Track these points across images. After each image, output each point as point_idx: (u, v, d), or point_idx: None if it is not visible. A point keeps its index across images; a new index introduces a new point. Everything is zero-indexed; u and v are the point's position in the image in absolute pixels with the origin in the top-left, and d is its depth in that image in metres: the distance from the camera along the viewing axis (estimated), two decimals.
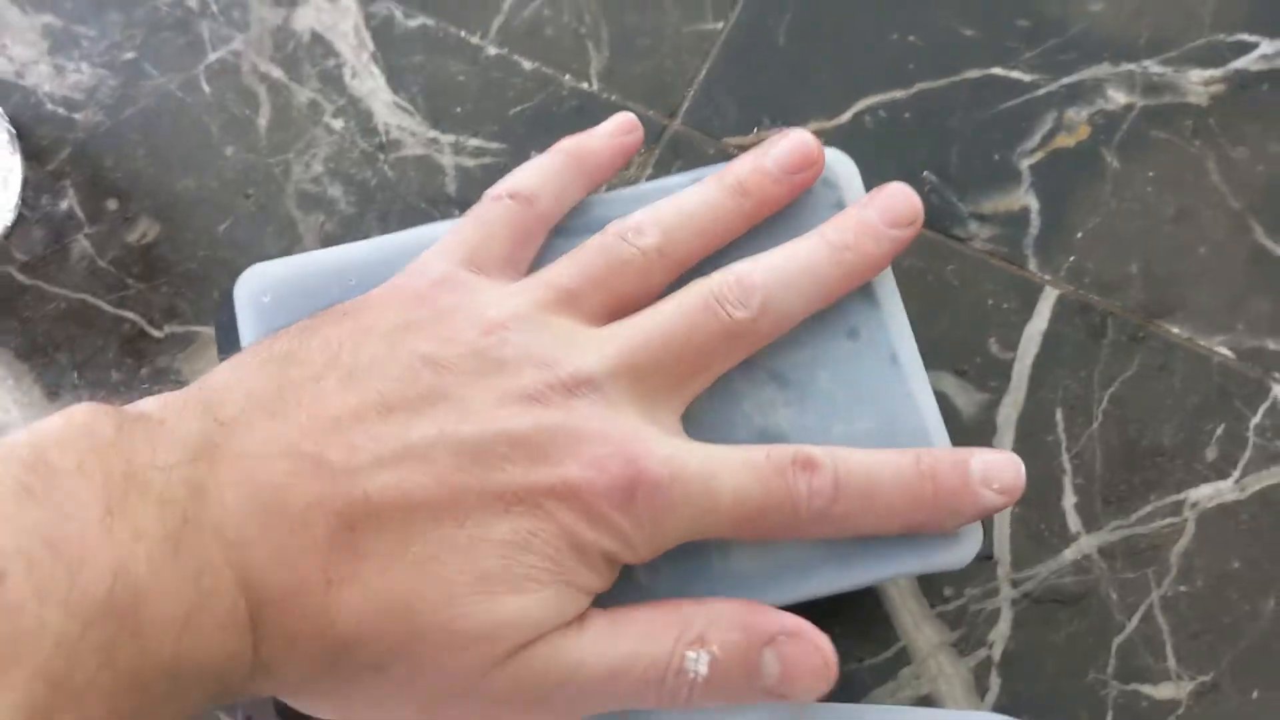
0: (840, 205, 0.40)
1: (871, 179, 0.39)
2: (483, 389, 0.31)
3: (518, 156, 0.50)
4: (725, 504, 0.33)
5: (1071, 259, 0.47)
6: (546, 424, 0.31)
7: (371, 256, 0.37)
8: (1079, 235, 0.48)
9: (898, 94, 0.50)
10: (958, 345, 0.46)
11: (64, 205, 0.49)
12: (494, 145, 0.50)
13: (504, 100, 0.51)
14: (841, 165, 0.40)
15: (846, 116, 0.50)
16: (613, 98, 0.50)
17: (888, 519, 0.34)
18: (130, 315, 0.48)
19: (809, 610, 0.42)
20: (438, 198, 0.49)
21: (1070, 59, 0.51)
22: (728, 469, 0.33)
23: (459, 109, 0.50)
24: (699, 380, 0.36)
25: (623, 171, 0.49)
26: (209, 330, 0.47)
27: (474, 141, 0.50)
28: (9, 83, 0.51)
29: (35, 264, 0.48)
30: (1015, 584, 0.43)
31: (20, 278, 0.48)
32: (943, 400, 0.45)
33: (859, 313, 0.38)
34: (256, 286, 0.37)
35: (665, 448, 0.32)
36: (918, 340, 0.38)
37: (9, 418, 0.46)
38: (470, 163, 0.50)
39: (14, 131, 0.49)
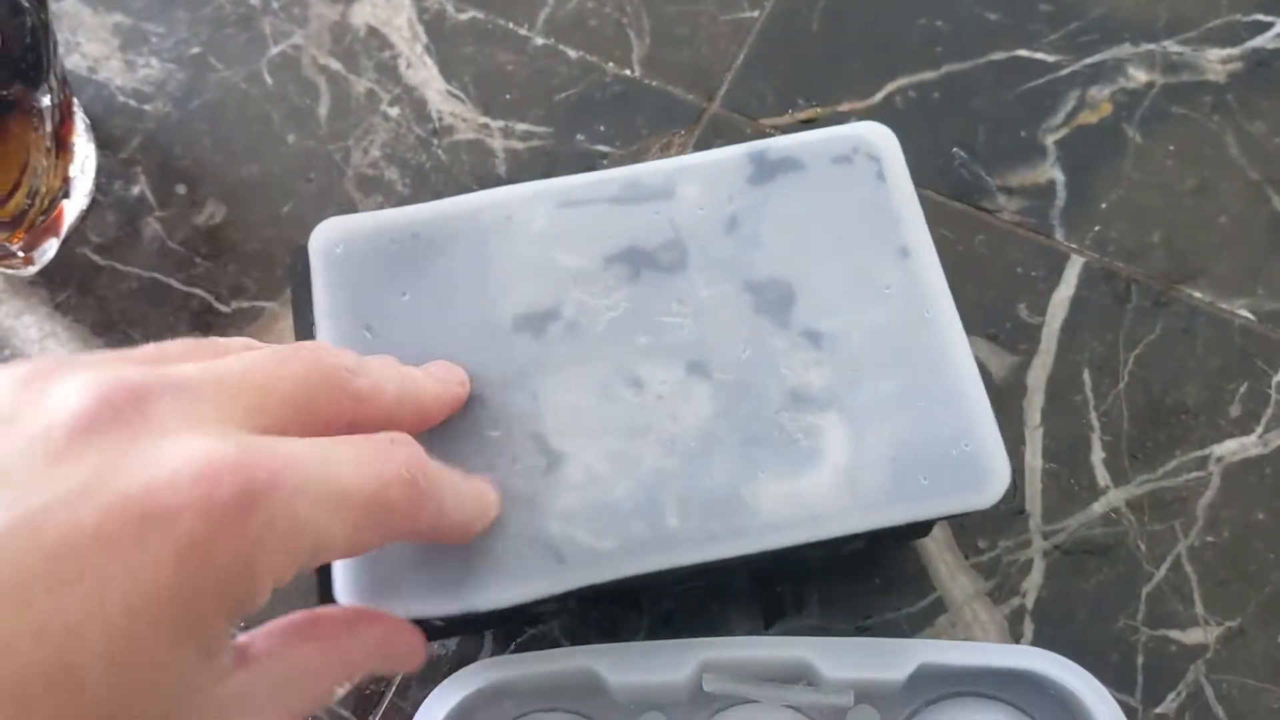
0: (881, 177, 0.42)
1: (904, 156, 0.42)
2: None
3: (564, 139, 0.52)
4: None
5: (1096, 229, 0.50)
6: None
7: (436, 215, 0.40)
8: (1103, 206, 0.50)
9: (927, 75, 0.52)
10: (989, 311, 0.48)
11: (136, 190, 0.52)
12: (541, 129, 0.52)
13: (550, 87, 0.53)
14: (882, 138, 0.42)
15: (878, 97, 0.52)
16: (654, 83, 0.53)
17: None
18: (199, 292, 0.50)
19: (852, 562, 0.44)
20: (488, 179, 0.52)
21: (1092, 40, 0.53)
22: None
23: (508, 96, 0.53)
24: None
25: (663, 152, 0.52)
26: (274, 305, 0.50)
27: (522, 126, 0.52)
28: (83, 77, 0.54)
29: (109, 245, 0.51)
30: (1046, 536, 0.45)
31: (95, 258, 0.51)
32: (975, 363, 0.47)
33: (893, 270, 0.40)
34: (330, 238, 0.39)
35: None
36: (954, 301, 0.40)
37: None
38: (519, 146, 0.52)
39: (89, 122, 0.52)
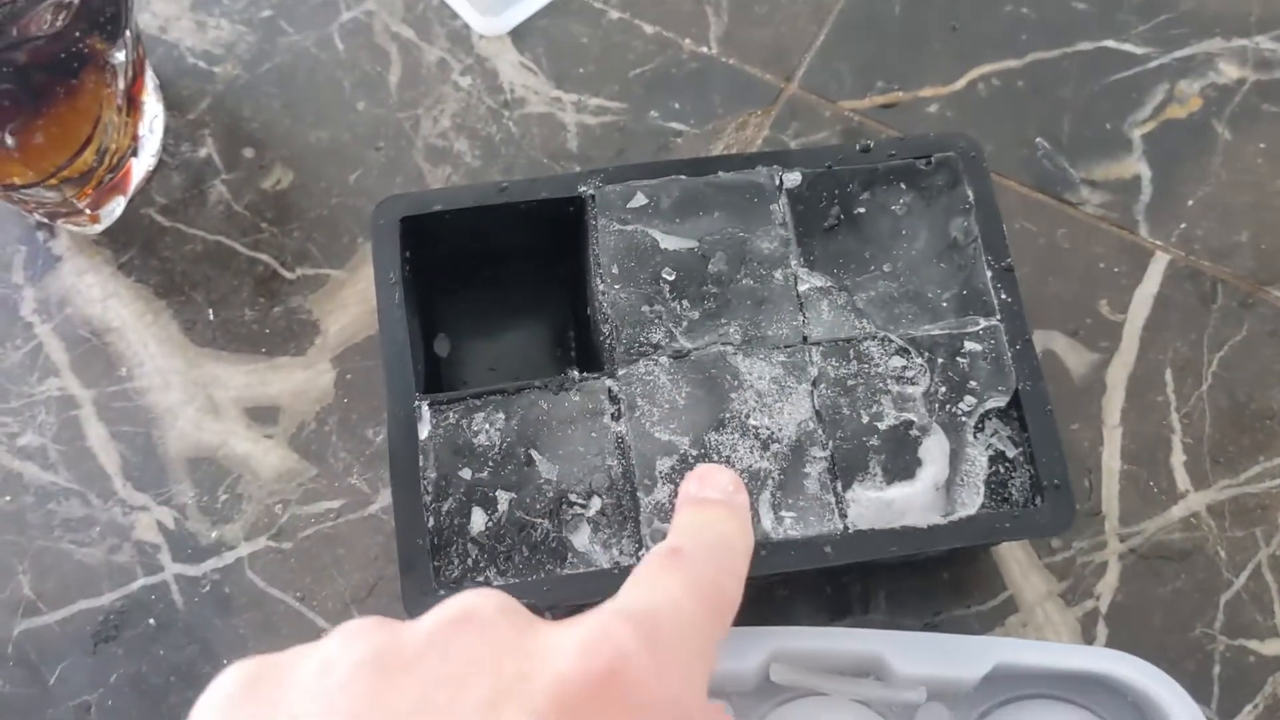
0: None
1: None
2: None
3: (637, 115, 0.51)
4: None
5: (1182, 226, 0.48)
6: None
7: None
8: (1189, 203, 0.49)
9: (1011, 63, 0.51)
10: (1069, 306, 0.47)
11: (203, 152, 0.52)
12: (614, 105, 0.51)
13: (625, 62, 0.52)
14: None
15: (961, 84, 0.51)
16: (730, 61, 0.52)
17: None
18: (264, 257, 0.50)
19: (923, 559, 0.43)
20: (559, 153, 0.51)
21: (1182, 33, 0.51)
22: None
23: (581, 70, 0.52)
24: None
25: (738, 131, 0.51)
26: (339, 273, 0.49)
27: (595, 100, 0.52)
28: (153, 37, 0.53)
29: (174, 207, 0.51)
30: (1123, 539, 0.44)
31: (161, 220, 0.50)
32: (1053, 359, 0.46)
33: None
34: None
35: None
36: (1029, 300, 0.40)
37: (146, 352, 0.48)
38: (591, 120, 0.51)
39: (158, 82, 0.52)
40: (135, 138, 0.50)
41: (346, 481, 0.46)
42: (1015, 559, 0.44)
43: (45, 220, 0.50)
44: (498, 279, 0.46)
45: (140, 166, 0.50)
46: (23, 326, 0.49)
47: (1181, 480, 0.45)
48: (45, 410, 0.47)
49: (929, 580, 0.44)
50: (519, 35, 0.53)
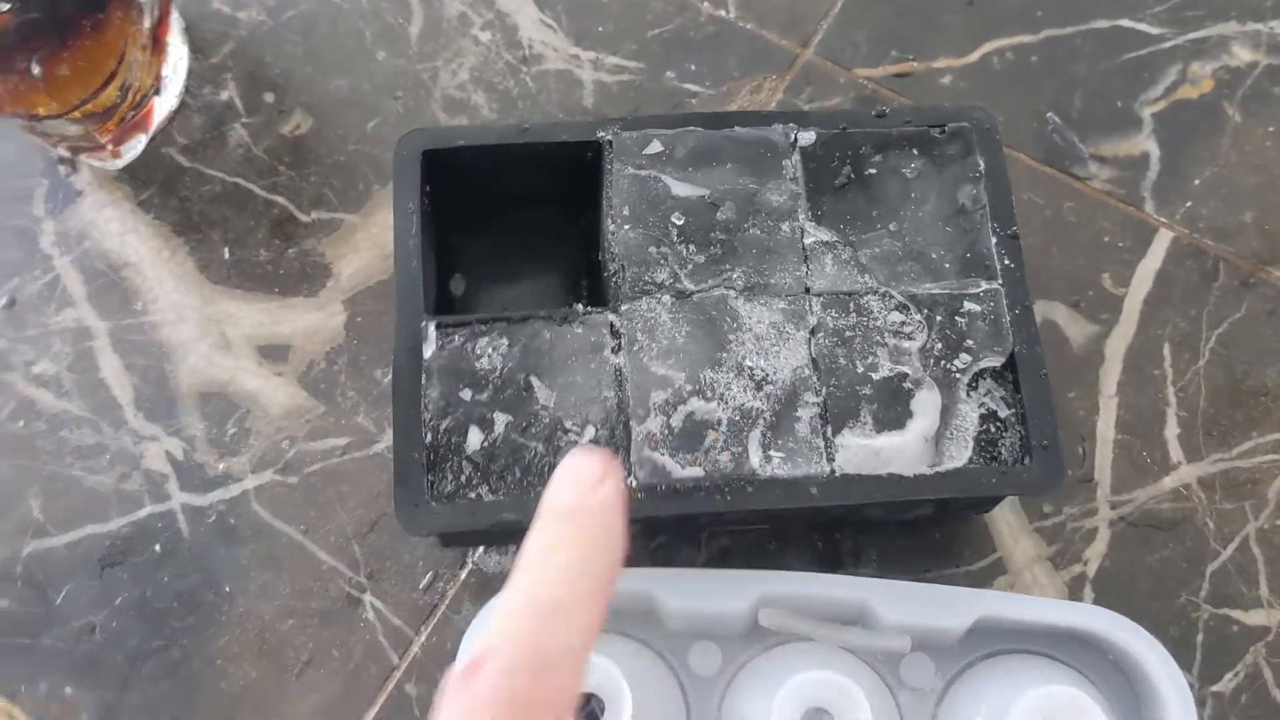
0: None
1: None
2: None
3: (653, 75, 0.52)
4: None
5: (1188, 204, 0.49)
6: None
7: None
8: (1196, 182, 0.49)
9: (1026, 38, 0.52)
10: (1072, 278, 0.48)
11: (224, 96, 0.52)
12: (631, 64, 0.52)
13: (643, 22, 0.53)
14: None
15: (975, 57, 0.52)
16: (748, 25, 0.53)
17: None
18: (280, 200, 0.50)
19: (916, 519, 0.43)
20: (575, 110, 0.51)
21: (1198, 15, 0.52)
22: None
23: (600, 28, 0.53)
24: None
25: (753, 95, 0.51)
26: (354, 218, 0.50)
27: (613, 59, 0.52)
28: None
29: (194, 148, 0.51)
30: (1114, 506, 0.45)
31: (180, 159, 0.51)
32: (1054, 329, 0.47)
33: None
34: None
35: None
36: (1033, 269, 0.41)
37: (162, 288, 0.49)
38: (608, 79, 0.52)
39: (184, 24, 0.53)
40: (159, 77, 0.51)
41: (353, 420, 0.47)
42: (1006, 522, 0.44)
43: (67, 155, 0.51)
44: (515, 223, 0.47)
45: (163, 106, 0.51)
46: (42, 258, 0.50)
47: (1174, 452, 0.45)
48: (61, 340, 0.48)
49: (920, 539, 0.44)
50: None
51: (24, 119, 0.46)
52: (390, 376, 0.40)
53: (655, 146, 0.42)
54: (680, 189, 0.42)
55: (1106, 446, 0.45)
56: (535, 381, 0.39)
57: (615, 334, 0.40)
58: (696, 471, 0.38)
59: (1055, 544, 0.44)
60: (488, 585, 0.44)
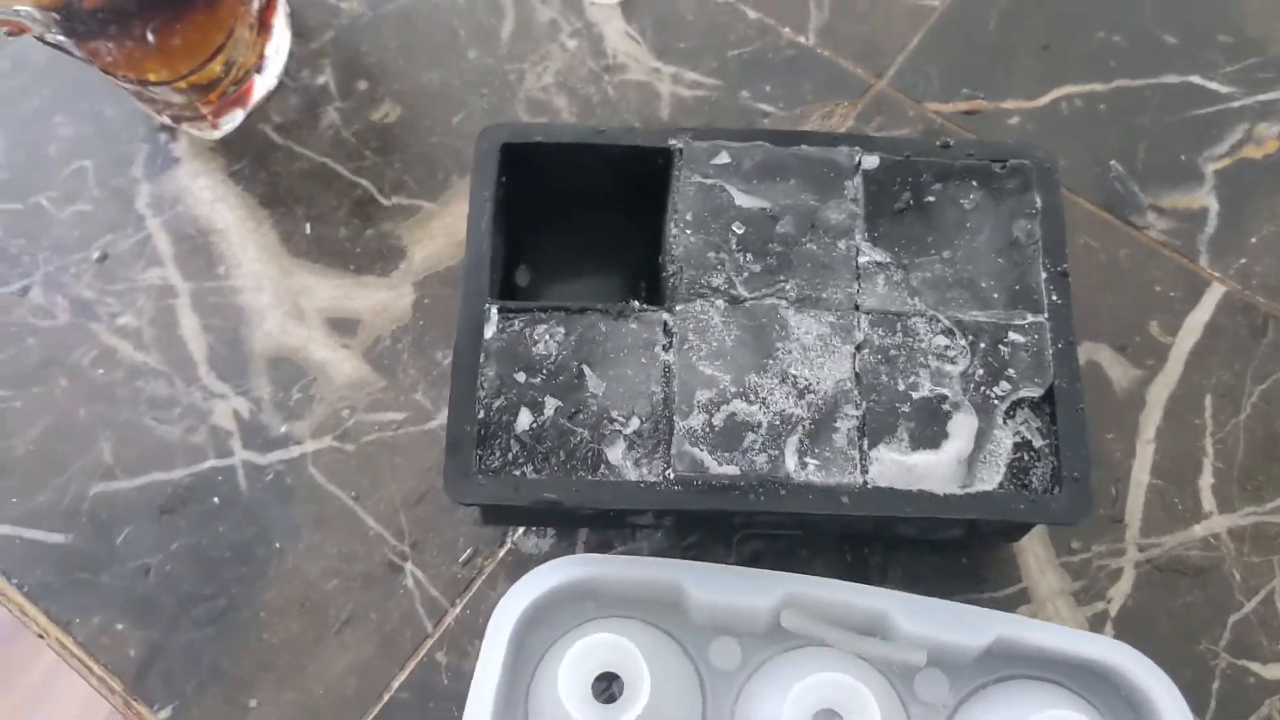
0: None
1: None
2: None
3: (729, 93, 0.54)
4: None
5: (1242, 261, 0.49)
6: None
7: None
8: (1253, 240, 0.50)
9: (1096, 87, 0.53)
10: (1120, 322, 0.48)
11: (320, 80, 0.55)
12: (709, 81, 0.54)
13: (725, 42, 0.55)
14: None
15: (1044, 100, 0.53)
16: (825, 53, 0.54)
17: None
18: (364, 182, 0.53)
19: (944, 542, 0.45)
20: (651, 119, 0.53)
21: (1268, 78, 0.53)
22: None
23: (682, 44, 0.55)
24: None
25: (824, 120, 0.53)
26: (432, 206, 0.52)
27: (692, 75, 0.54)
28: None
29: (288, 126, 0.54)
30: (1141, 549, 0.45)
31: (274, 136, 0.54)
32: (1097, 371, 0.48)
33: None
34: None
35: None
36: (1082, 310, 0.42)
37: (245, 255, 0.52)
38: (685, 93, 0.54)
39: (289, 10, 0.55)
40: (261, 57, 0.53)
41: (411, 397, 0.49)
42: (1034, 553, 0.45)
43: (169, 123, 0.53)
44: (581, 222, 0.49)
45: (262, 85, 0.54)
46: (136, 218, 0.53)
47: (1207, 501, 0.46)
48: (145, 296, 0.51)
49: (948, 561, 0.45)
50: (628, 6, 0.56)
51: (135, 84, 0.49)
52: (450, 358, 0.42)
53: (723, 158, 0.44)
54: (743, 200, 0.43)
55: (1139, 489, 0.46)
56: (587, 370, 0.41)
57: (668, 332, 0.42)
58: (733, 470, 0.39)
59: (1080, 579, 0.45)
60: (524, 564, 0.45)
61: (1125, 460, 0.47)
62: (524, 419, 0.41)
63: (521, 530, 0.46)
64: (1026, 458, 0.40)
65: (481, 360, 0.41)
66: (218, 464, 0.48)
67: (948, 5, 0.55)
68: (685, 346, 0.41)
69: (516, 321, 0.42)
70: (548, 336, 0.42)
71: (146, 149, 0.54)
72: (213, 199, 0.53)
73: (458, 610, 0.45)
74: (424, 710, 0.44)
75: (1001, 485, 0.40)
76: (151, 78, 0.48)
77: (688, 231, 0.43)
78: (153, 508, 0.48)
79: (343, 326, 0.50)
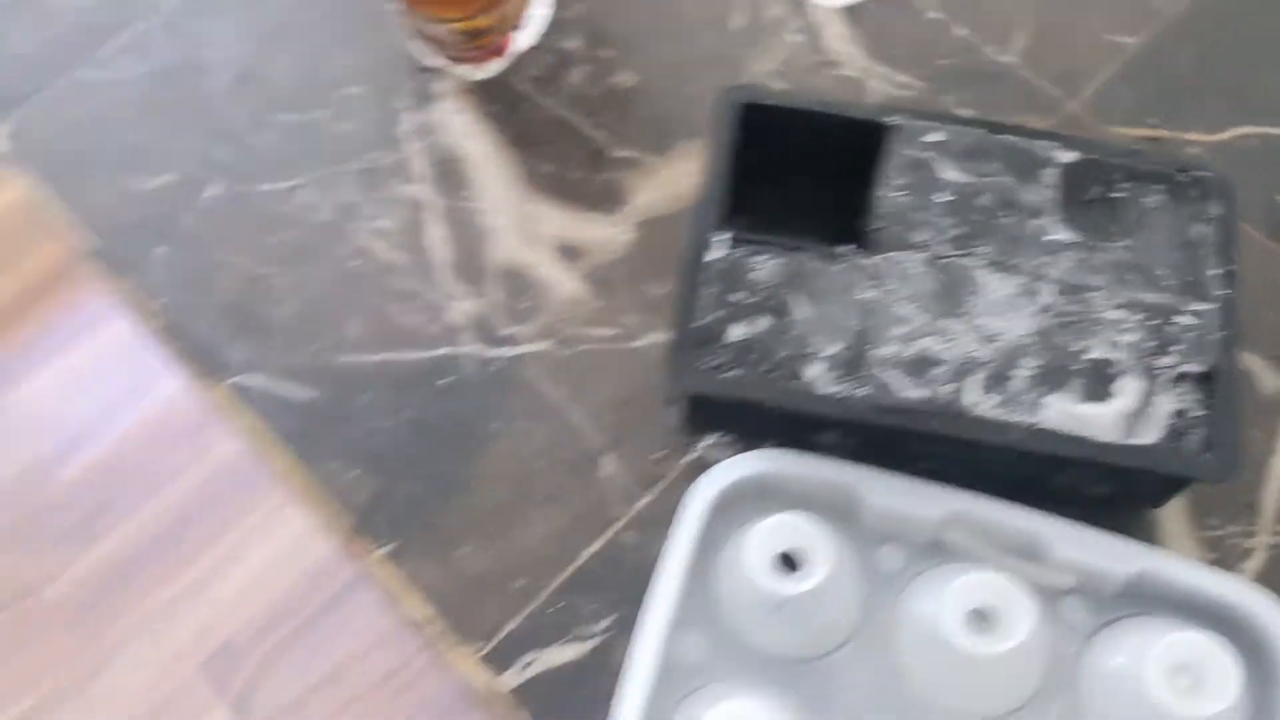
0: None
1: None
2: None
3: (932, 97, 0.60)
4: None
5: None
6: None
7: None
8: None
9: (1276, 131, 0.58)
10: (1276, 335, 0.53)
11: (572, 44, 0.62)
12: (916, 84, 0.60)
13: (934, 53, 0.61)
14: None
15: (1225, 135, 0.58)
16: (1025, 73, 0.60)
17: None
18: (599, 136, 0.60)
19: (1087, 506, 0.49)
20: None
21: None
22: None
23: (894, 50, 0.61)
24: None
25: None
26: (657, 160, 0.59)
27: (901, 77, 0.60)
28: None
29: (539, 80, 0.62)
30: (1275, 534, 0.49)
31: (525, 88, 0.61)
32: (1249, 375, 0.52)
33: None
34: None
35: None
36: (1243, 323, 0.47)
37: (490, 182, 0.59)
38: (893, 91, 0.60)
39: None
40: (524, 17, 0.61)
41: (621, 318, 0.55)
42: (1173, 521, 0.50)
43: (437, 65, 0.61)
44: (798, 184, 0.55)
45: (522, 40, 0.62)
46: (397, 140, 0.60)
47: None
48: (401, 206, 0.58)
49: (1094, 519, 0.50)
50: (850, 13, 0.62)
51: (427, 21, 0.57)
52: (656, 291, 0.48)
53: (936, 135, 0.50)
54: (949, 174, 0.49)
55: (1276, 482, 0.50)
56: (795, 299, 0.47)
57: (871, 276, 0.47)
58: (920, 393, 0.45)
59: (1215, 553, 0.49)
60: (708, 469, 0.51)
61: (1265, 456, 0.51)
62: (736, 331, 0.47)
63: (711, 440, 0.52)
64: (1183, 424, 0.45)
65: (704, 276, 0.47)
66: (450, 351, 0.55)
67: (1144, 42, 0.60)
68: (885, 288, 0.47)
69: (740, 250, 0.48)
70: (765, 264, 0.48)
71: (411, 84, 0.62)
72: (466, 133, 0.60)
73: (646, 500, 0.51)
74: (611, 578, 0.50)
75: (1158, 444, 0.45)
76: (448, 15, 0.56)
77: (896, 193, 0.49)
78: (389, 381, 0.55)
79: (569, 252, 0.57)
